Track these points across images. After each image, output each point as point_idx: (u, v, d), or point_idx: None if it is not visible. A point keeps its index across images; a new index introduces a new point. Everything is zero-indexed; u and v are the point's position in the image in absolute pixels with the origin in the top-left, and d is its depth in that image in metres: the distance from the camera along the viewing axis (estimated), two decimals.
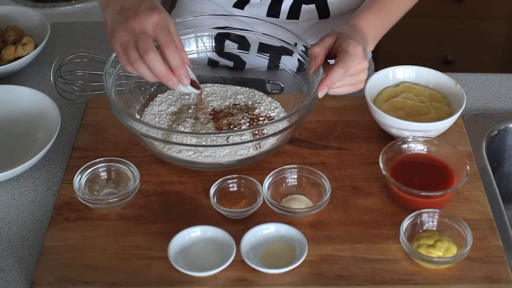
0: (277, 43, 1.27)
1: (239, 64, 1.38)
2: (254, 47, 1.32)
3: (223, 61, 1.38)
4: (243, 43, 1.32)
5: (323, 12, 1.36)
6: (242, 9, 1.34)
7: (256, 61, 1.35)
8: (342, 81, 1.11)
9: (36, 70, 1.42)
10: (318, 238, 1.04)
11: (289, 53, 1.28)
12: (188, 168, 1.15)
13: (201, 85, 1.29)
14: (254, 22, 1.30)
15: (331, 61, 1.11)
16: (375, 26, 1.19)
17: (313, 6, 1.34)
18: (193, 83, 1.07)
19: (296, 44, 1.25)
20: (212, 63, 1.39)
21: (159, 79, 1.02)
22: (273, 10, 1.34)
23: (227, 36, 1.32)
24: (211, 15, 1.33)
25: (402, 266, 1.01)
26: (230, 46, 1.33)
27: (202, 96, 1.21)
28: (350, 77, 1.11)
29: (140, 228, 1.07)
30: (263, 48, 1.31)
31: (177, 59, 1.01)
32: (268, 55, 1.32)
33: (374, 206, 1.10)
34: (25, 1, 1.82)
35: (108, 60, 1.17)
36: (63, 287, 0.99)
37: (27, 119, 1.26)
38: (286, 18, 1.35)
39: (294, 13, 1.35)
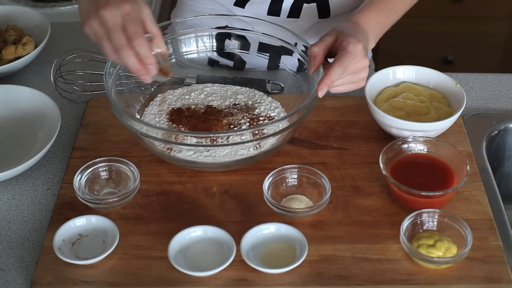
0: (277, 43, 1.27)
1: (239, 63, 1.38)
2: (254, 46, 1.32)
3: (223, 60, 1.38)
4: (243, 43, 1.32)
5: (324, 11, 1.36)
6: (243, 7, 1.34)
7: (256, 60, 1.35)
8: (343, 79, 1.10)
9: (36, 70, 1.42)
10: (318, 238, 1.04)
11: (289, 53, 1.28)
12: (188, 168, 1.15)
13: (201, 85, 1.29)
14: (255, 22, 1.30)
15: (332, 60, 1.11)
16: (376, 23, 1.19)
17: (314, 5, 1.34)
18: (162, 70, 1.08)
19: (296, 44, 1.25)
20: (212, 62, 1.39)
21: (133, 72, 1.02)
22: (274, 9, 1.34)
23: (227, 35, 1.32)
24: (211, 14, 1.33)
25: (402, 266, 1.01)
26: (230, 46, 1.33)
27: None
28: (351, 75, 1.11)
29: (140, 228, 1.07)
30: (263, 47, 1.32)
31: (144, 51, 1.01)
32: (268, 54, 1.32)
33: (374, 206, 1.10)
34: (25, 1, 1.82)
35: (108, 60, 1.17)
36: (63, 287, 0.99)
37: (27, 119, 1.26)
38: (287, 17, 1.35)
39: (295, 11, 1.34)
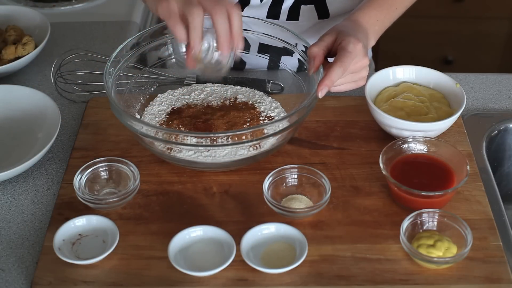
0: (277, 44, 1.27)
1: (239, 64, 1.38)
2: (254, 47, 1.32)
3: None
4: (243, 43, 1.32)
5: (323, 12, 1.35)
6: (242, 11, 1.34)
7: (256, 61, 1.35)
8: (343, 79, 1.10)
9: (36, 70, 1.42)
10: (318, 238, 1.04)
11: (289, 53, 1.28)
12: (188, 168, 1.15)
13: (201, 85, 1.29)
14: (254, 22, 1.30)
15: (332, 60, 1.11)
16: (376, 20, 1.19)
17: (312, 6, 1.34)
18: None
19: (296, 44, 1.25)
20: None
21: (220, 44, 1.05)
22: (273, 12, 1.34)
23: None
24: None
25: (402, 266, 1.01)
26: None
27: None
28: (351, 74, 1.11)
29: (140, 228, 1.07)
30: (263, 48, 1.31)
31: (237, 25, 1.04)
32: (268, 55, 1.32)
33: (374, 206, 1.10)
34: (25, 1, 1.82)
35: (108, 60, 1.17)
36: (63, 287, 0.99)
37: (27, 119, 1.26)
38: (286, 20, 1.35)
39: (293, 14, 1.34)
